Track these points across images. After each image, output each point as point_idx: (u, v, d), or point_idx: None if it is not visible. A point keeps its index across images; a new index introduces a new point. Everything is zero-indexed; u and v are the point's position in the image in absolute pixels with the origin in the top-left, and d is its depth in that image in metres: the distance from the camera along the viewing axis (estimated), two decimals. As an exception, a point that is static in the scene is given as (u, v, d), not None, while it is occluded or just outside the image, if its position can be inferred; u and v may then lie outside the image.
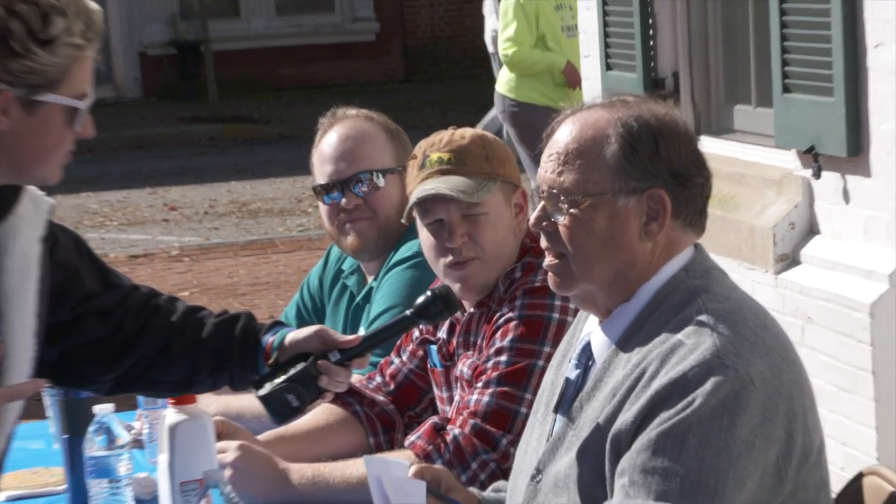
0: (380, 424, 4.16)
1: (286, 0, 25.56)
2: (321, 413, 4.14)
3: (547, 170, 3.20)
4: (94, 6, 3.17)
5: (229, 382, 3.55)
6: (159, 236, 14.25)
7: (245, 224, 14.63)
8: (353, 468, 3.79)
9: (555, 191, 3.18)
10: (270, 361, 3.48)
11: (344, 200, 4.50)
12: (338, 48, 25.11)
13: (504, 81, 11.46)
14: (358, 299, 4.62)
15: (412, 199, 3.96)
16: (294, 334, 3.52)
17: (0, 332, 3.17)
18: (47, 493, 4.06)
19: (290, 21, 25.31)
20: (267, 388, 3.43)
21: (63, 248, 3.42)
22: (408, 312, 3.59)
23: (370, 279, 4.61)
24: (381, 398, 4.19)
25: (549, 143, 3.23)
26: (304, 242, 13.20)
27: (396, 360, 4.21)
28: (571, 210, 3.16)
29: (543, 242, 3.22)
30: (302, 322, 4.67)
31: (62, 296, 3.40)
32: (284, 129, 19.89)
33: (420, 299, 3.57)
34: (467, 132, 4.04)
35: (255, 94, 23.67)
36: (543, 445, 3.27)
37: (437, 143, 4.00)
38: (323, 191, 4.54)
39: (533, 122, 10.77)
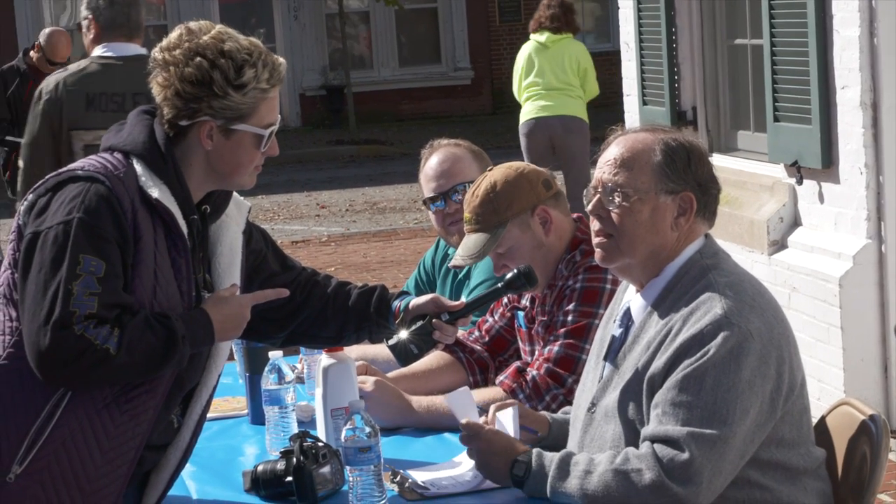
0: (477, 367, 4.14)
1: (406, 55, 25.60)
2: (434, 358, 4.12)
3: (605, 172, 3.19)
4: (279, 59, 3.22)
5: (369, 336, 3.57)
6: (313, 227, 14.27)
7: (375, 218, 14.62)
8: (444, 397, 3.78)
9: (610, 186, 3.17)
10: (398, 321, 3.50)
11: (446, 207, 4.47)
12: (444, 89, 25.10)
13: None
14: (460, 276, 4.60)
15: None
16: (415, 300, 3.53)
17: None
18: (235, 416, 4.07)
19: (410, 70, 25.34)
20: (395, 339, 3.46)
21: (255, 239, 3.48)
22: (499, 285, 3.58)
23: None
24: (479, 348, 4.17)
25: (604, 154, 3.23)
26: (419, 232, 13.18)
27: (490, 319, 4.19)
28: (624, 202, 3.16)
29: (596, 225, 3.21)
30: (420, 292, 4.65)
31: (254, 274, 3.46)
32: (404, 149, 19.89)
33: (508, 275, 3.57)
34: (480, 189, 3.92)
35: (383, 123, 23.70)
36: (596, 385, 3.25)
37: (466, 203, 3.95)
38: (430, 202, 4.52)
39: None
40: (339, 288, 3.58)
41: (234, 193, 3.38)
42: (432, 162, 4.52)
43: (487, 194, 3.90)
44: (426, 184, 4.52)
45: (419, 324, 3.46)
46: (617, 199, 3.16)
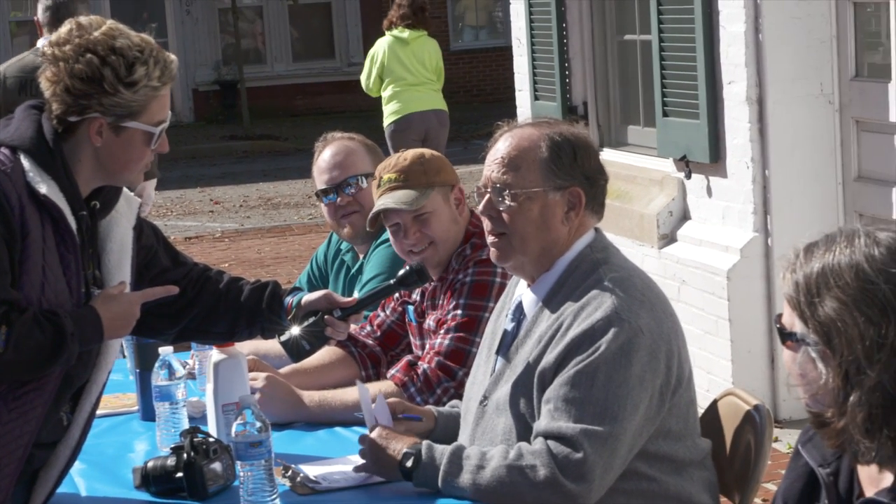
0: (369, 361, 4.14)
1: (300, 50, 25.47)
2: (325, 353, 4.11)
3: (493, 171, 3.19)
4: (171, 56, 3.19)
5: (261, 332, 3.55)
6: (206, 223, 14.17)
7: (270, 214, 14.55)
8: (348, 394, 3.77)
9: (499, 186, 3.17)
10: (290, 317, 3.48)
11: (338, 199, 4.47)
12: (338, 84, 25.03)
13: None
14: (353, 271, 4.60)
15: (373, 210, 3.96)
16: (308, 297, 3.52)
17: None
18: (125, 412, 4.03)
19: (303, 65, 25.22)
20: (287, 336, 3.45)
21: (146, 235, 3.44)
22: (392, 282, 3.63)
23: (361, 256, 4.59)
24: (370, 342, 4.16)
25: (492, 151, 3.22)
26: (314, 228, 13.14)
27: (382, 314, 4.19)
28: (513, 202, 3.16)
29: (488, 225, 3.21)
30: (312, 287, 4.64)
31: (144, 270, 3.42)
32: (298, 144, 19.79)
33: (401, 272, 3.62)
34: (409, 154, 4.00)
35: (277, 118, 23.58)
36: (488, 379, 3.26)
37: (388, 167, 3.98)
38: (322, 194, 4.51)
39: None
40: (231, 284, 3.54)
41: (125, 189, 3.34)
42: (325, 154, 4.51)
43: (418, 157, 3.96)
44: (319, 176, 4.51)
45: (311, 320, 3.45)
46: (507, 200, 3.16)
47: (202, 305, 3.49)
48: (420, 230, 3.90)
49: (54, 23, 6.83)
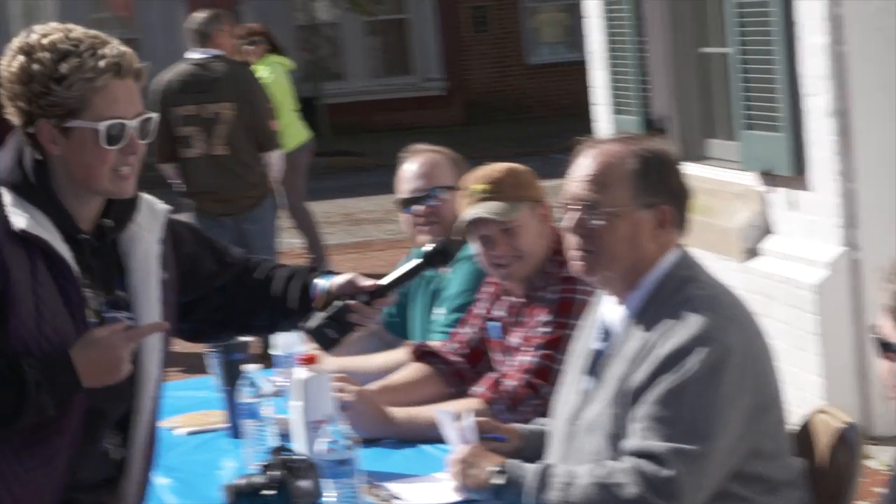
0: (457, 379, 4.12)
1: (377, 66, 25.59)
2: (413, 370, 4.11)
3: (580, 188, 3.16)
4: (119, 48, 2.95)
5: (298, 322, 3.34)
6: (288, 239, 14.25)
7: (351, 230, 14.62)
8: (434, 411, 3.76)
9: (587, 204, 3.14)
10: (317, 304, 3.28)
11: (420, 210, 4.48)
12: (415, 100, 25.10)
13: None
14: (434, 285, 4.59)
15: (463, 220, 3.93)
16: (334, 281, 3.29)
17: (133, 319, 3.05)
18: (213, 430, 4.05)
19: (381, 81, 25.33)
20: (312, 324, 3.26)
21: (185, 242, 3.26)
22: (416, 263, 3.38)
23: (442, 270, 4.58)
24: (457, 359, 4.15)
25: (576, 167, 3.19)
26: (395, 243, 13.18)
27: (467, 330, 4.17)
28: (602, 220, 3.13)
29: (573, 242, 3.18)
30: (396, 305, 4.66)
31: (190, 278, 3.25)
32: (378, 160, 19.85)
33: (425, 250, 3.42)
34: (501, 166, 3.99)
35: (355, 134, 23.67)
36: (577, 398, 3.23)
37: (478, 177, 3.97)
38: (404, 204, 4.52)
39: None
40: (269, 274, 3.36)
41: (147, 199, 3.15)
42: (410, 165, 4.52)
43: (509, 170, 3.95)
44: (402, 185, 4.52)
45: (337, 306, 3.25)
46: (595, 218, 3.13)
47: (244, 302, 3.35)
48: (509, 243, 3.89)
49: (200, 39, 8.19)
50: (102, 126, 2.91)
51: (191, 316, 3.29)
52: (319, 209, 16.20)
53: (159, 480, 3.53)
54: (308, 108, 24.00)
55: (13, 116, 2.95)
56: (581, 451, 3.15)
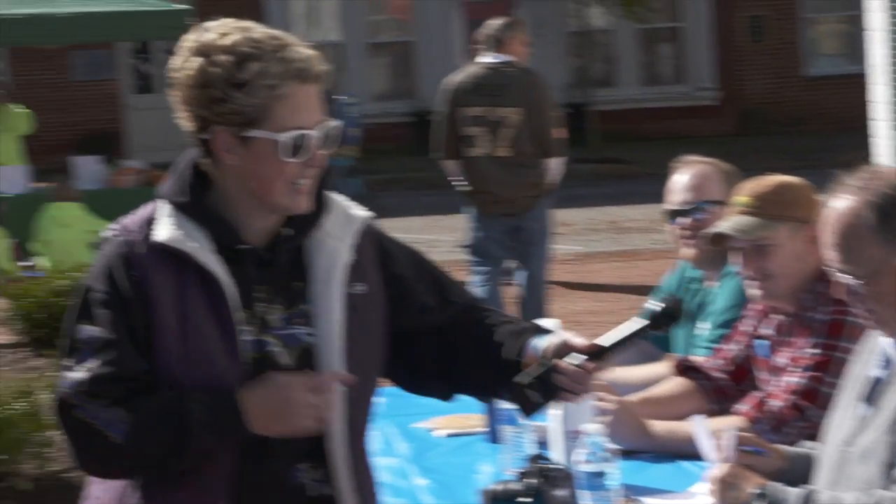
0: (717, 396, 4.06)
1: (648, 74, 25.45)
2: (675, 385, 4.07)
3: (832, 257, 2.97)
4: (304, 52, 2.72)
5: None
6: (555, 245, 14.29)
7: (617, 238, 14.56)
8: (691, 420, 3.71)
9: (841, 271, 2.99)
10: (526, 365, 2.90)
11: (686, 222, 4.42)
12: (686, 109, 24.86)
13: None
14: (699, 298, 4.53)
15: (710, 231, 3.89)
16: (547, 340, 2.91)
17: (312, 335, 2.79)
18: (472, 433, 4.07)
19: (652, 89, 25.18)
20: (515, 383, 2.90)
21: (397, 261, 2.93)
22: (639, 324, 2.96)
23: (708, 284, 4.52)
24: (721, 375, 4.08)
25: (823, 233, 2.98)
26: (662, 253, 13.02)
27: (732, 347, 4.09)
28: (862, 285, 2.95)
29: (852, 303, 3.04)
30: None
31: (399, 305, 2.91)
32: (647, 169, 19.74)
33: (651, 310, 2.99)
34: (773, 180, 3.89)
35: (624, 142, 23.58)
36: (852, 424, 3.13)
37: (746, 189, 3.89)
38: (670, 215, 4.48)
39: None
40: (495, 326, 2.97)
41: (347, 205, 2.90)
42: (681, 176, 4.48)
43: (778, 186, 3.86)
44: (671, 196, 4.48)
45: (544, 367, 2.88)
46: (858, 281, 2.95)
47: (466, 354, 2.95)
48: (756, 262, 3.81)
49: (494, 44, 8.39)
50: (284, 138, 2.70)
51: (407, 358, 2.96)
52: (584, 216, 16.20)
53: (417, 481, 3.58)
54: (577, 115, 24.11)
55: (185, 121, 2.75)
56: (852, 478, 3.06)
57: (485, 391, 3.08)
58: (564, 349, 2.86)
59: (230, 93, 2.67)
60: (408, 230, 13.17)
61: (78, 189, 12.71)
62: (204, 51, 2.70)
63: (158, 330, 2.68)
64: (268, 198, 2.73)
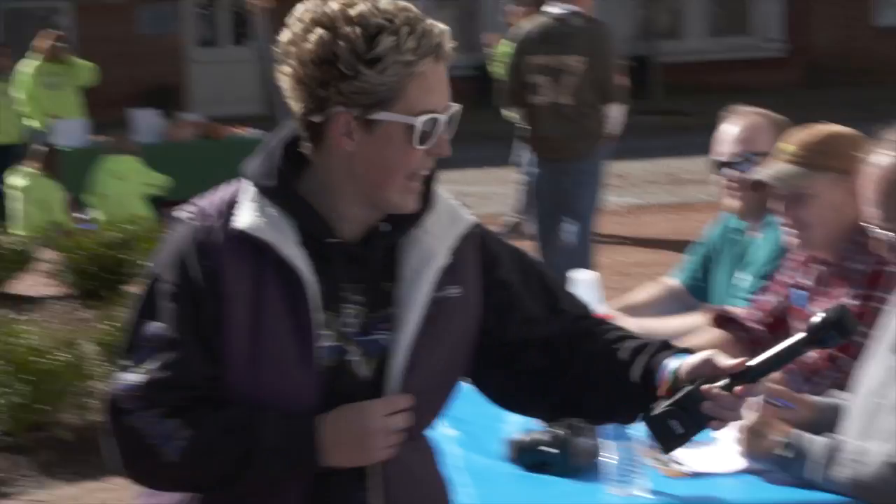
0: (753, 348, 4.00)
1: (715, 25, 25.23)
2: (711, 336, 4.02)
3: (873, 215, 3.00)
4: (432, 24, 2.42)
5: (635, 412, 2.58)
6: (609, 197, 14.23)
7: (673, 190, 14.49)
8: None
9: (886, 227, 2.99)
10: (662, 389, 2.51)
11: (733, 175, 4.37)
12: (752, 62, 24.63)
13: None
14: (739, 248, 4.49)
15: (749, 177, 3.89)
16: (688, 361, 2.51)
17: (387, 340, 2.51)
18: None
19: (719, 41, 24.97)
20: (653, 412, 2.49)
21: (504, 267, 2.64)
22: (797, 339, 2.56)
23: (750, 234, 4.48)
24: (757, 327, 4.04)
25: (864, 188, 2.99)
26: (717, 205, 12.96)
27: (771, 297, 4.04)
28: None
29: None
30: (703, 261, 4.59)
31: (502, 312, 2.62)
32: (708, 121, 19.57)
33: (812, 322, 2.55)
34: (823, 130, 3.83)
35: (688, 94, 23.40)
36: (885, 375, 3.10)
37: (793, 137, 3.84)
38: (717, 166, 4.43)
39: None
40: (613, 341, 2.63)
41: (456, 206, 2.62)
42: (730, 127, 4.42)
43: (827, 136, 3.81)
44: (719, 147, 4.43)
45: (685, 390, 2.47)
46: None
47: (577, 371, 2.61)
48: (794, 210, 3.76)
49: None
50: (419, 121, 2.40)
51: (508, 372, 2.65)
52: (641, 168, 16.11)
53: (447, 431, 3.58)
54: (641, 68, 23.94)
55: (295, 101, 2.44)
56: (882, 429, 3.03)
57: (600, 415, 2.70)
58: (707, 369, 2.48)
59: (361, 69, 2.36)
60: (462, 182, 13.15)
61: (135, 142, 12.80)
62: (327, 22, 2.38)
63: (227, 329, 2.41)
64: (380, 191, 2.44)
